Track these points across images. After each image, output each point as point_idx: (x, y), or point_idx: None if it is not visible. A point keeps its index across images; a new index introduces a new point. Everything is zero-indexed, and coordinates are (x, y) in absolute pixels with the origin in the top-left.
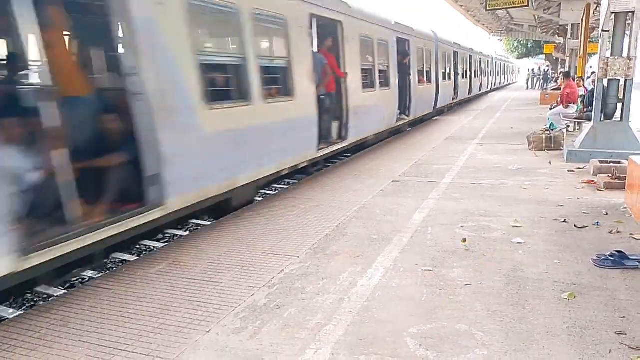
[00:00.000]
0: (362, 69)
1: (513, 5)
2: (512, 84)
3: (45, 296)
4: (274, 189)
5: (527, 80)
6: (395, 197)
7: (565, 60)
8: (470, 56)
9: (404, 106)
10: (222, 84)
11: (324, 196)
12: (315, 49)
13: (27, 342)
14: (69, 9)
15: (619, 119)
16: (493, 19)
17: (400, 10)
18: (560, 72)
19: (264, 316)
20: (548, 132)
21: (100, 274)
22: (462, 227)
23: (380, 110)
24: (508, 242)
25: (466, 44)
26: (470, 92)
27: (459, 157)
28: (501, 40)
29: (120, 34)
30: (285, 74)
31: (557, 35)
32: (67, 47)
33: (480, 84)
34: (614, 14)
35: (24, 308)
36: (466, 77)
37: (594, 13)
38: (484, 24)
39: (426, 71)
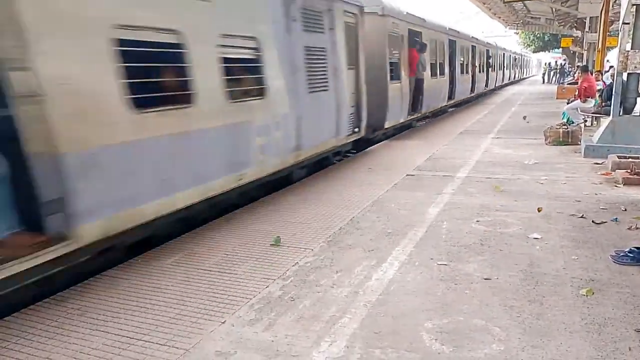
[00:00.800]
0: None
1: None
2: (527, 77)
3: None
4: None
5: (544, 74)
6: (409, 191)
7: (582, 54)
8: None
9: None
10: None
11: (337, 189)
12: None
13: (45, 330)
14: None
15: (638, 114)
16: (510, 11)
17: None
18: (577, 66)
19: (278, 308)
20: (565, 127)
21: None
22: (477, 221)
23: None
24: (524, 237)
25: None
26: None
27: (474, 151)
28: (517, 34)
29: None
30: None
31: (574, 29)
32: None
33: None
34: (635, 6)
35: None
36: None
37: (612, 6)
38: (500, 17)
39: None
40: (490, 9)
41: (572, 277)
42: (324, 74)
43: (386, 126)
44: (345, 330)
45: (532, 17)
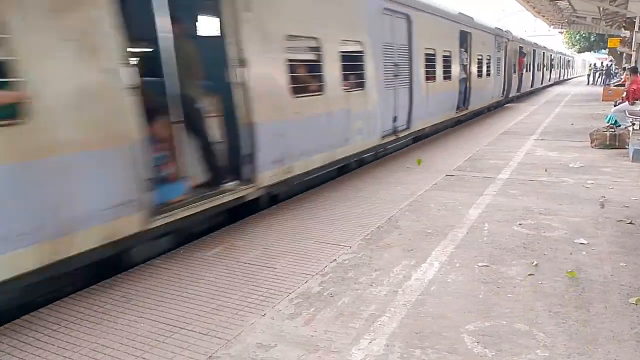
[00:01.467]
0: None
1: None
2: (571, 78)
3: None
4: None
5: (588, 75)
6: (449, 191)
7: (631, 55)
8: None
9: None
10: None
11: (374, 188)
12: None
13: (93, 315)
14: None
15: None
16: (554, 10)
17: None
18: (624, 67)
19: (317, 303)
20: (612, 130)
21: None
22: (520, 224)
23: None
24: (570, 242)
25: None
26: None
27: (516, 152)
28: (561, 33)
29: None
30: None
31: (623, 29)
32: None
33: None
34: None
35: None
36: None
37: None
38: (544, 16)
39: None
40: (534, 7)
41: (621, 285)
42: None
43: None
44: (385, 329)
45: (577, 16)
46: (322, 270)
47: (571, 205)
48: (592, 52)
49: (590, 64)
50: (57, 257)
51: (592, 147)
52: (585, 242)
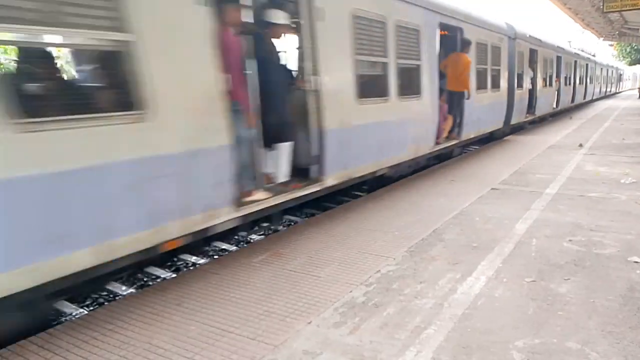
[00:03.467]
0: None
1: (635, 7)
2: (621, 92)
3: (153, 277)
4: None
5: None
6: (494, 205)
7: None
8: (575, 62)
9: (556, 100)
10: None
11: (418, 200)
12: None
13: (145, 316)
14: None
15: None
16: (604, 22)
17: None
18: None
19: (362, 313)
20: None
21: (204, 260)
22: (570, 240)
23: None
24: (623, 260)
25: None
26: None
27: (564, 166)
28: (612, 45)
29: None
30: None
31: None
32: None
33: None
34: None
35: (134, 286)
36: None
37: None
38: (593, 28)
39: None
40: (583, 20)
41: None
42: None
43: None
44: (431, 341)
45: (629, 28)
46: (366, 280)
47: (623, 222)
48: None
49: None
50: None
51: None
52: (639, 260)
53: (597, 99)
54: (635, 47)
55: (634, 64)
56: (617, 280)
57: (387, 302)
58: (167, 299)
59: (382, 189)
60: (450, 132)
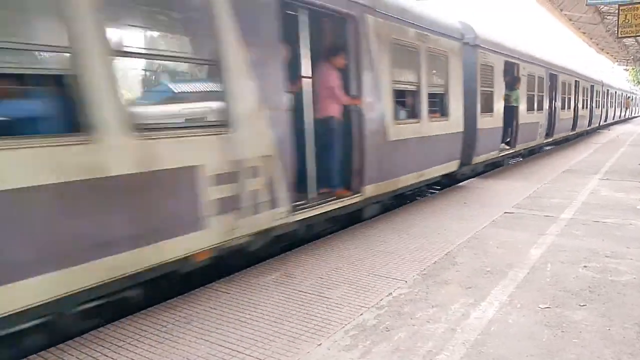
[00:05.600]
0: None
1: None
2: (636, 117)
3: None
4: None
5: None
6: (508, 229)
7: None
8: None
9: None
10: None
11: (430, 223)
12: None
13: (155, 334)
14: None
15: None
16: (619, 47)
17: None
18: None
19: (373, 337)
20: None
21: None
22: (585, 266)
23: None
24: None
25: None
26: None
27: (579, 192)
28: (627, 70)
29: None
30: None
31: None
32: None
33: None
34: None
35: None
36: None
37: None
38: (608, 52)
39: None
40: (597, 44)
41: None
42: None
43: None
44: None
45: None
46: (377, 303)
47: (639, 248)
48: None
49: None
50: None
51: None
52: None
53: (607, 125)
54: None
55: None
56: (633, 308)
57: (399, 326)
58: (177, 317)
59: (394, 211)
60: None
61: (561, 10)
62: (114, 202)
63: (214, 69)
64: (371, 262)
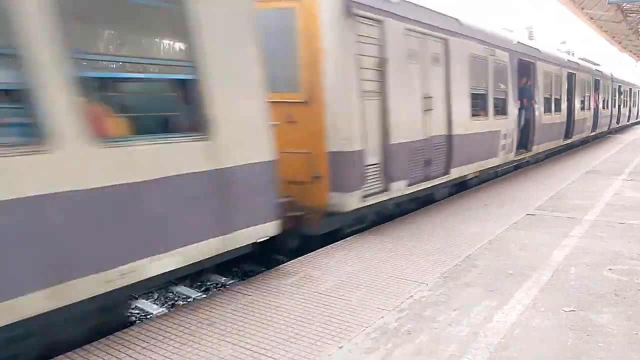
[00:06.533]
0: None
1: None
2: None
3: (183, 296)
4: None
5: None
6: (530, 231)
7: None
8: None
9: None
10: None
11: (450, 225)
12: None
13: (179, 336)
14: None
15: None
16: None
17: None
18: None
19: (394, 339)
20: None
21: (233, 280)
22: (610, 269)
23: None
24: None
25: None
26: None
27: (602, 192)
28: None
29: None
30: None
31: None
32: None
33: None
34: None
35: (165, 305)
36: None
37: None
38: (630, 50)
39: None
40: (619, 43)
41: None
42: None
43: None
44: None
45: None
46: (398, 306)
47: None
48: None
49: None
50: None
51: None
52: None
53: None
54: None
55: None
56: None
57: (420, 329)
58: (200, 319)
59: (414, 212)
60: None
61: (582, 9)
62: None
63: None
64: (391, 264)
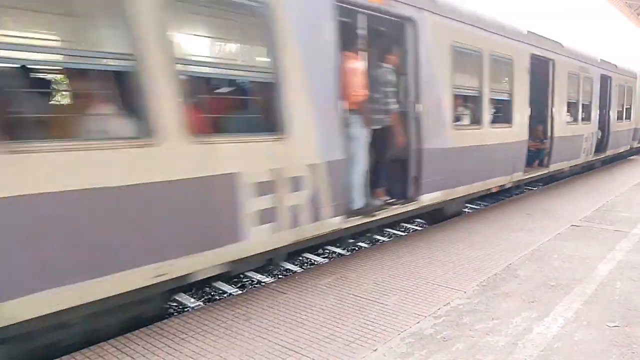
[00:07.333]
0: None
1: None
2: None
3: (220, 292)
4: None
5: None
6: (575, 242)
7: None
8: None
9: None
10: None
11: (491, 232)
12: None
13: (215, 330)
14: None
15: None
16: None
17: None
18: None
19: (430, 346)
20: None
21: (271, 279)
22: None
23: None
24: None
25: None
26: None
27: None
28: None
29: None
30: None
31: None
32: None
33: None
34: None
35: (202, 300)
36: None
37: None
38: None
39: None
40: None
41: None
42: None
43: None
44: None
45: None
46: (435, 312)
47: None
48: None
49: None
50: None
51: None
52: None
53: None
54: None
55: None
56: None
57: (457, 336)
58: (236, 314)
59: (453, 219)
60: None
61: (638, 15)
62: None
63: None
64: (429, 270)
